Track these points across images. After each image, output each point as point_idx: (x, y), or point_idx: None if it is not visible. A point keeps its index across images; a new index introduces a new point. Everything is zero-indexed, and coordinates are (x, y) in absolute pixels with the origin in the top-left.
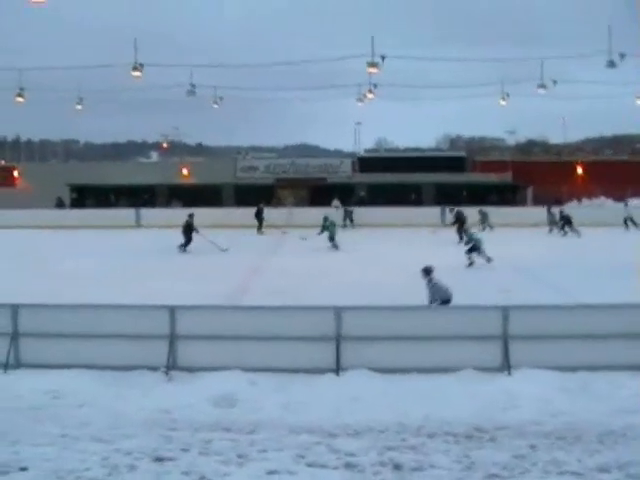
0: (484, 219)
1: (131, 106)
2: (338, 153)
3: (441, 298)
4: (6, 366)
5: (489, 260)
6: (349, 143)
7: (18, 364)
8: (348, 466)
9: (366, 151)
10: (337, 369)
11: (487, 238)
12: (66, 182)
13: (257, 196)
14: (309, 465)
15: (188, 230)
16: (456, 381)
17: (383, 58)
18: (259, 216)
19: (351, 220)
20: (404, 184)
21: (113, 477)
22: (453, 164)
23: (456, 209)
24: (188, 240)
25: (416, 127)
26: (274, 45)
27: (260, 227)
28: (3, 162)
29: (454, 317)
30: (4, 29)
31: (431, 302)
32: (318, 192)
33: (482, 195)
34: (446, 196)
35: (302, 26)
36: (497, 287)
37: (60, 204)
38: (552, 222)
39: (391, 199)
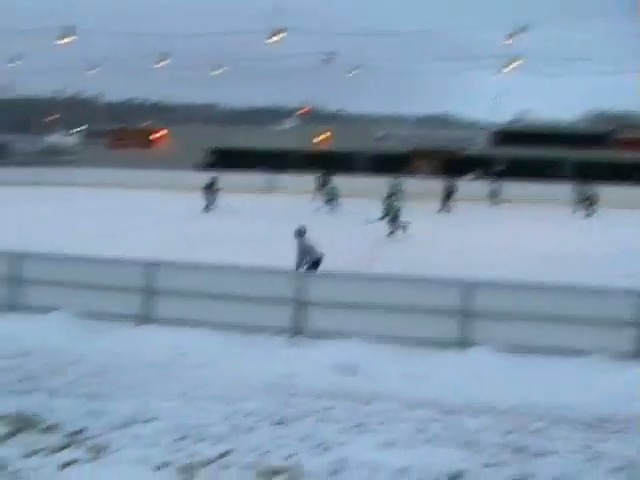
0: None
1: (271, 72)
2: (476, 125)
3: (311, 259)
4: (138, 321)
5: (404, 229)
6: (488, 115)
7: (149, 320)
8: (468, 444)
9: (505, 124)
10: (462, 345)
11: None
12: (205, 145)
13: (392, 165)
14: (428, 440)
15: (209, 190)
16: (586, 366)
17: (524, 29)
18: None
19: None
20: (543, 159)
21: (234, 436)
22: (595, 140)
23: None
24: (211, 200)
25: (558, 101)
26: (415, 13)
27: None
28: (146, 124)
29: (589, 299)
30: None
31: (299, 263)
32: (454, 164)
33: (625, 173)
34: (586, 173)
35: None
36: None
37: (201, 166)
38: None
39: (529, 174)
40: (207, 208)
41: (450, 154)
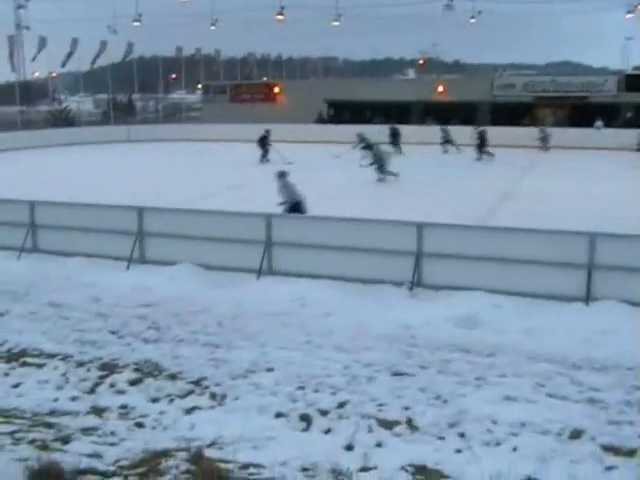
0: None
1: (389, 23)
2: (603, 71)
3: (291, 200)
4: (259, 273)
5: (395, 174)
6: (616, 60)
7: (270, 271)
8: (591, 401)
9: (634, 68)
10: (587, 298)
11: None
12: (324, 98)
13: (514, 114)
14: (549, 395)
15: (262, 143)
16: None
17: None
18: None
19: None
20: None
21: (352, 387)
22: None
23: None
24: (265, 152)
25: None
26: None
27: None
28: (266, 79)
29: None
30: None
31: (282, 203)
32: (579, 112)
33: None
34: None
35: None
36: None
37: (320, 120)
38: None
39: None
40: (262, 160)
41: (576, 102)
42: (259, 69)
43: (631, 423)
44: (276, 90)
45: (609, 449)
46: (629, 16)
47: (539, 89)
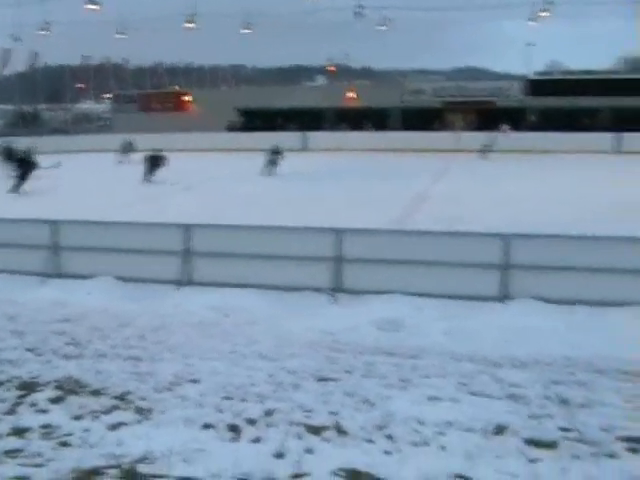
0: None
1: (297, 30)
2: (507, 76)
3: None
4: (179, 283)
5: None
6: (519, 66)
7: (190, 282)
8: (512, 397)
9: (537, 74)
10: (503, 298)
11: None
12: (235, 107)
13: (424, 120)
14: (472, 394)
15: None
16: (631, 317)
17: None
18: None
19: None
20: (578, 109)
21: (279, 394)
22: (634, 87)
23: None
24: None
25: (591, 48)
26: None
27: None
28: (177, 87)
29: (631, 248)
30: None
31: None
32: (487, 116)
33: None
34: (625, 121)
35: None
36: None
37: (231, 128)
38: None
39: (564, 124)
40: None
41: (484, 106)
42: (169, 78)
43: (551, 416)
44: (186, 99)
45: (532, 442)
46: (531, 24)
47: (447, 94)
